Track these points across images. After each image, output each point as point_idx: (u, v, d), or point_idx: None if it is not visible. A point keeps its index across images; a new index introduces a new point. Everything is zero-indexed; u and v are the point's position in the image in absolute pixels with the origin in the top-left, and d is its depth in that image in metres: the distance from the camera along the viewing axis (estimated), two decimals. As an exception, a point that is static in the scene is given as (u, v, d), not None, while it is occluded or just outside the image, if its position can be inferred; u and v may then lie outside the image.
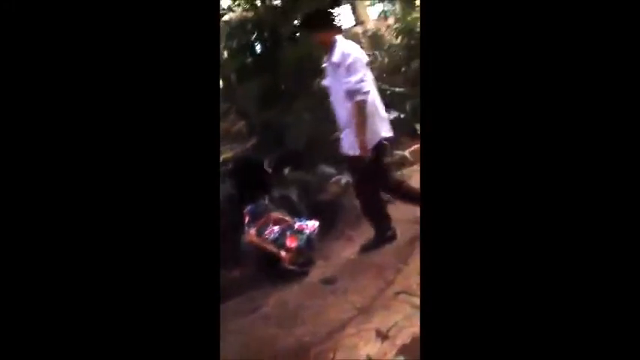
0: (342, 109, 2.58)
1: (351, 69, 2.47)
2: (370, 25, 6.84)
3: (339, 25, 2.74)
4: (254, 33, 3.92)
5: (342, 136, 2.65)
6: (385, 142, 2.63)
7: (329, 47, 2.58)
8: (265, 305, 2.54)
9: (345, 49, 2.53)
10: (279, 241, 2.83)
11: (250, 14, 3.99)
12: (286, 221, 2.90)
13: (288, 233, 2.86)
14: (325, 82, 2.76)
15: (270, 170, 3.19)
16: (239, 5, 3.98)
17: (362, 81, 2.47)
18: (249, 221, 2.88)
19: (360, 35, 5.65)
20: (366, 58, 2.61)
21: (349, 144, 2.60)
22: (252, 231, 2.84)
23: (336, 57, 2.53)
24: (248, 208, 2.92)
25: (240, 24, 3.95)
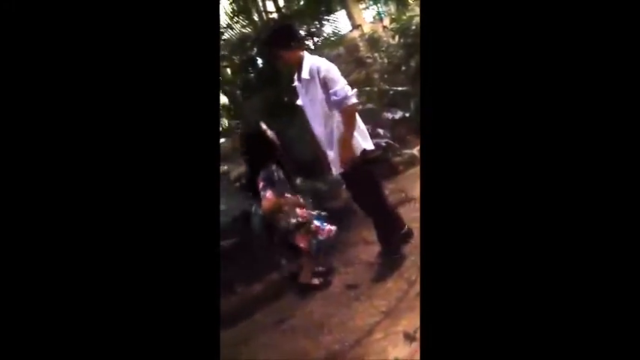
0: (322, 127, 2.53)
1: (328, 80, 2.42)
2: (367, 29, 6.88)
3: (303, 41, 2.72)
4: (254, 48, 3.97)
5: (331, 156, 2.56)
6: (369, 152, 2.55)
7: (297, 66, 2.54)
8: (291, 317, 2.57)
9: (313, 63, 2.48)
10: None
11: (249, 30, 4.05)
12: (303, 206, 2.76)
13: (301, 230, 2.67)
14: (299, 101, 2.68)
15: (274, 136, 2.83)
16: (237, 22, 4.04)
17: (346, 85, 2.44)
18: (264, 186, 2.66)
19: (358, 39, 5.68)
20: (336, 69, 2.52)
21: (336, 162, 2.55)
22: (269, 194, 2.63)
23: (305, 73, 2.48)
24: (261, 175, 2.69)
25: (240, 41, 4.00)
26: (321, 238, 2.69)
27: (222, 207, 3.47)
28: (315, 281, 2.73)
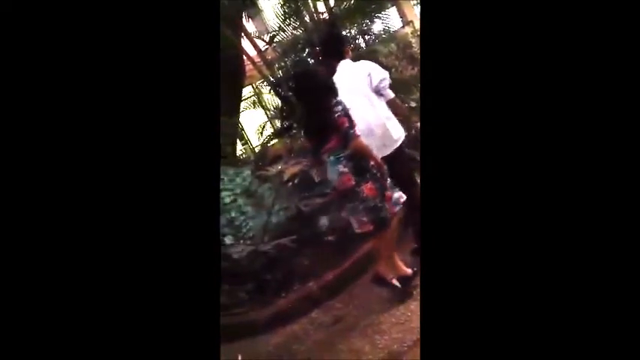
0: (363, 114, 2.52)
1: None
2: (419, 24, 6.73)
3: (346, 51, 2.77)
4: (305, 50, 4.01)
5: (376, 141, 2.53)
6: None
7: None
8: (348, 315, 2.54)
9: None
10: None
11: (300, 32, 4.09)
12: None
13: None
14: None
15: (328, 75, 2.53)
16: (289, 25, 4.10)
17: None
18: (350, 122, 2.28)
19: (410, 35, 5.57)
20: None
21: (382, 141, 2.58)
22: (357, 131, 2.29)
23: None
24: (340, 109, 2.27)
25: (292, 43, 4.05)
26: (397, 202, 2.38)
27: (276, 207, 3.54)
28: (396, 282, 2.45)
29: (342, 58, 2.67)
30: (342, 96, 2.40)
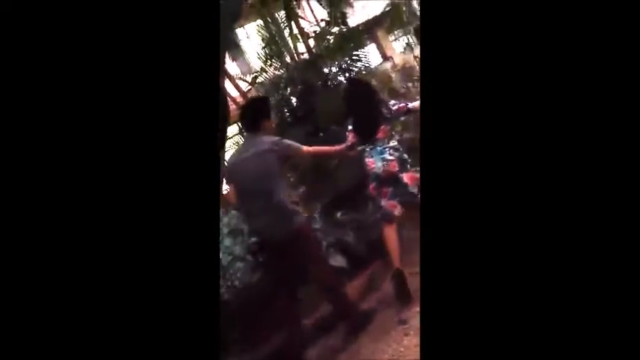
0: None
1: None
2: (398, 59, 6.96)
3: None
4: (287, 89, 4.10)
5: None
6: None
7: None
8: (341, 353, 2.50)
9: None
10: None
11: (282, 71, 4.20)
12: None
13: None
14: None
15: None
16: (271, 65, 4.21)
17: None
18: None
19: (390, 70, 5.74)
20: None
21: None
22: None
23: None
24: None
25: (273, 83, 4.15)
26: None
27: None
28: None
29: None
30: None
